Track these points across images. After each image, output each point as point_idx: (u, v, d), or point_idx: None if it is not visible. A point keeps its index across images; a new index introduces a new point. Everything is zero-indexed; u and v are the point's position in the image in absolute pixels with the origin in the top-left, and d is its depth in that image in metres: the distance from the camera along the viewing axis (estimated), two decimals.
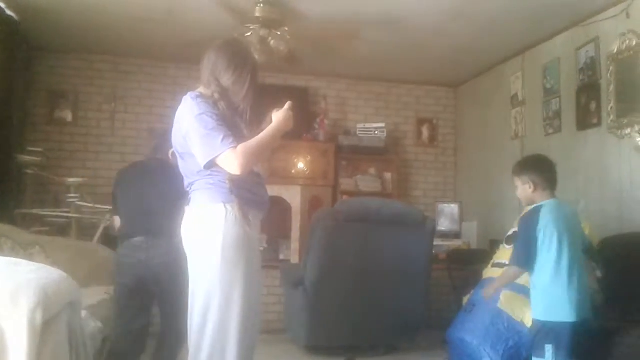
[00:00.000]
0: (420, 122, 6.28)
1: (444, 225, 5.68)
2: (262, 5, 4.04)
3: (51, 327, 1.71)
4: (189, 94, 2.15)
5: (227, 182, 2.09)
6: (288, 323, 4.53)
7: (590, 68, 4.13)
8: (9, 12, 4.31)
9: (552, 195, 2.68)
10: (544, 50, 4.74)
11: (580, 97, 4.24)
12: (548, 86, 4.65)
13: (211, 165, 2.04)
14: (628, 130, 3.75)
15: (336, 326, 4.00)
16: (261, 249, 5.43)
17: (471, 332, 3.04)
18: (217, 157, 2.01)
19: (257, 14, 4.05)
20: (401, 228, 4.08)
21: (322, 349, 3.97)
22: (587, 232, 2.96)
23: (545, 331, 2.53)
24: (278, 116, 2.21)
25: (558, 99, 4.52)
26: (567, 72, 4.41)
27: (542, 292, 2.56)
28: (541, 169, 2.73)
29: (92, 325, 2.59)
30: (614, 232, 3.73)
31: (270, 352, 4.20)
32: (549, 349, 2.51)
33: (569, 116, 4.37)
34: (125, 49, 5.29)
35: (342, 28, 4.53)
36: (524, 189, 2.69)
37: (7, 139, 4.51)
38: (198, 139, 2.04)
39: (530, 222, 2.58)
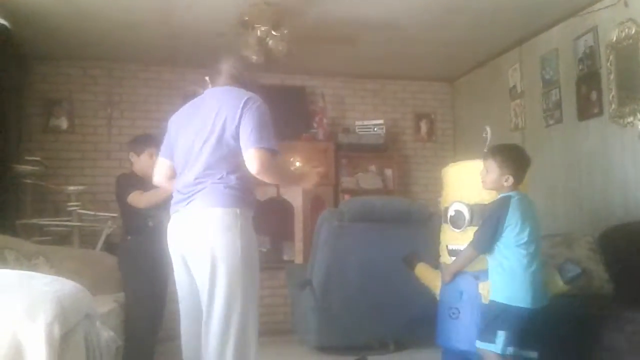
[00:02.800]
0: (418, 117, 6.27)
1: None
2: (259, 6, 4.00)
3: (69, 339, 1.68)
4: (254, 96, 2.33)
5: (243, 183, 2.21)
6: (296, 324, 4.50)
7: (590, 57, 4.12)
8: (0, 20, 4.25)
9: (517, 188, 2.68)
10: (542, 41, 4.73)
11: (580, 87, 4.23)
12: (547, 77, 4.65)
13: (254, 152, 2.18)
14: (630, 119, 3.76)
15: (345, 326, 3.98)
16: (264, 250, 5.46)
17: (468, 341, 2.74)
18: (263, 148, 2.17)
19: (255, 15, 4.02)
20: (407, 225, 4.07)
21: (332, 349, 3.94)
22: None
23: (502, 317, 2.52)
24: (308, 176, 2.63)
25: (557, 89, 4.51)
26: (566, 62, 4.41)
27: (511, 277, 2.56)
28: (523, 166, 2.72)
29: (105, 335, 2.55)
30: (619, 221, 3.74)
31: (280, 354, 4.18)
32: (500, 334, 2.50)
33: (570, 106, 4.36)
34: (118, 54, 5.24)
35: (340, 27, 4.51)
36: (499, 178, 2.65)
37: (3, 149, 4.43)
38: (257, 127, 2.21)
39: (501, 211, 2.59)
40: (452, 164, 3.21)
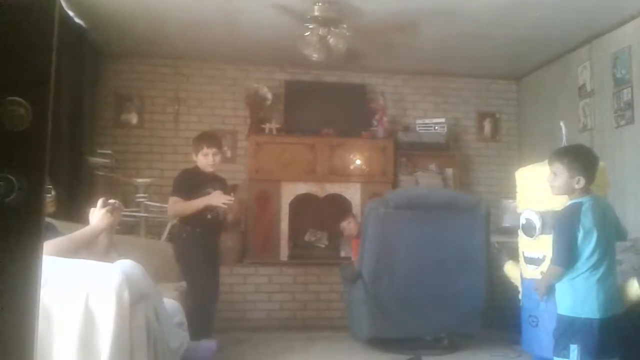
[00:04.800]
0: (482, 116, 6.14)
1: (508, 221, 5.52)
2: (320, 4, 4.05)
3: (136, 309, 1.75)
4: None
5: None
6: (349, 319, 4.53)
7: None
8: (77, 20, 4.50)
9: (589, 191, 2.56)
10: (614, 39, 4.53)
11: None
12: (619, 76, 4.45)
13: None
14: None
15: (396, 317, 3.97)
16: (322, 246, 5.52)
17: (548, 349, 2.82)
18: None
19: (316, 13, 4.07)
20: (454, 213, 4.03)
21: (385, 343, 3.94)
22: None
23: (572, 330, 2.43)
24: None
25: (630, 88, 4.31)
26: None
27: (573, 288, 2.47)
28: (594, 167, 2.59)
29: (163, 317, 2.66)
30: None
31: (334, 348, 4.23)
32: (573, 348, 2.41)
33: None
34: (186, 52, 5.44)
35: (400, 21, 4.48)
36: (569, 181, 2.53)
37: (78, 142, 4.71)
38: None
39: (572, 220, 2.47)
40: (523, 167, 3.10)
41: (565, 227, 2.51)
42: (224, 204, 3.43)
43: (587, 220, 2.46)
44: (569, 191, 2.57)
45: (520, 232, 2.98)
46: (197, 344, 2.37)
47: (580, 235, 2.46)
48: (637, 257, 3.46)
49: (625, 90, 4.37)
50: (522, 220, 2.91)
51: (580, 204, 2.50)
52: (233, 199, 3.46)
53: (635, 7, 4.10)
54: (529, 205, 2.89)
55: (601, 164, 2.70)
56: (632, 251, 3.51)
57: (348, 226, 4.92)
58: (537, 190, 2.85)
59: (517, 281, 3.10)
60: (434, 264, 3.96)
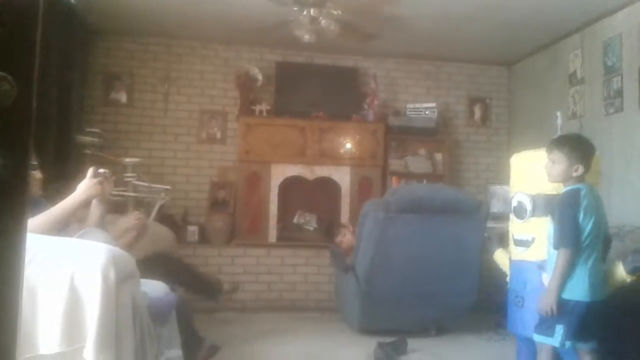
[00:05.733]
0: (473, 101, 6.15)
1: (496, 207, 5.57)
2: None
3: (121, 289, 1.74)
4: None
5: None
6: (339, 305, 4.57)
7: None
8: None
9: (584, 179, 2.60)
10: (605, 26, 4.53)
11: None
12: (609, 64, 4.46)
13: None
14: None
15: (388, 312, 4.01)
16: (310, 229, 5.53)
17: (533, 329, 2.87)
18: None
19: None
20: (455, 216, 3.98)
21: (375, 331, 3.98)
22: None
23: (562, 310, 2.47)
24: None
25: (620, 77, 4.33)
26: (630, 49, 4.21)
27: (571, 269, 2.49)
28: (592, 156, 2.63)
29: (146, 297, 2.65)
30: None
31: (323, 330, 4.26)
32: (559, 329, 2.46)
33: (632, 95, 4.18)
34: (177, 31, 5.37)
35: (393, 3, 4.45)
36: (568, 169, 2.57)
37: (66, 120, 4.66)
38: None
39: (573, 203, 2.51)
40: (517, 152, 3.13)
41: (569, 208, 2.52)
42: None
43: (585, 205, 2.50)
44: (566, 179, 2.60)
45: (511, 215, 3.02)
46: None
47: (580, 219, 2.49)
48: (622, 244, 3.50)
49: (615, 79, 4.38)
50: (514, 203, 2.96)
51: (579, 190, 2.54)
52: None
53: None
54: (522, 190, 2.93)
55: (596, 154, 2.74)
56: (616, 238, 3.55)
57: (344, 239, 4.70)
58: (531, 175, 2.89)
59: (505, 267, 3.15)
60: (430, 265, 3.94)
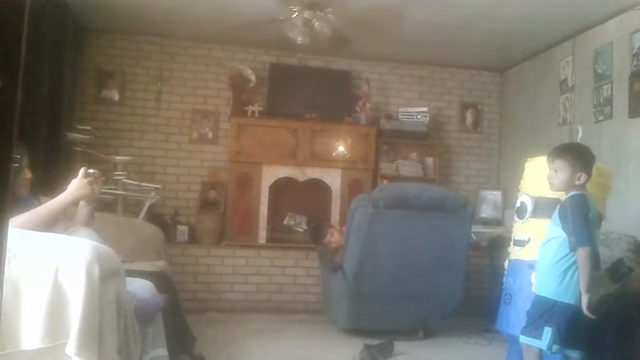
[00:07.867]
0: (464, 107, 6.18)
1: (486, 212, 5.60)
2: None
3: (106, 285, 1.74)
4: None
5: None
6: (326, 305, 4.56)
7: None
8: None
9: (585, 188, 2.62)
10: (597, 34, 4.57)
11: (633, 83, 4.08)
12: (599, 71, 4.50)
13: None
14: None
15: (376, 311, 4.02)
16: (300, 230, 5.53)
17: (518, 328, 2.87)
18: None
19: None
20: (441, 213, 4.03)
21: (362, 331, 3.99)
22: None
23: (551, 313, 2.48)
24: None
25: (610, 84, 4.37)
26: (620, 57, 4.25)
27: (558, 271, 2.52)
28: (592, 163, 2.66)
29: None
30: None
31: (310, 332, 4.26)
32: (547, 331, 2.46)
33: (621, 103, 4.22)
34: (171, 30, 5.36)
35: (388, 6, 4.47)
36: (571, 177, 2.59)
37: (57, 117, 4.64)
38: None
39: (584, 205, 2.54)
40: (532, 157, 3.16)
41: (581, 209, 2.53)
42: None
43: (590, 210, 2.54)
44: (569, 187, 2.61)
45: (515, 217, 3.10)
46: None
47: None
48: (609, 250, 3.52)
49: (605, 86, 4.42)
50: (517, 204, 3.05)
51: (586, 195, 2.58)
52: None
53: (619, 4, 4.14)
54: (525, 192, 3.01)
55: (607, 168, 2.77)
56: (603, 244, 3.57)
57: (332, 238, 4.65)
58: (541, 180, 2.88)
59: None
60: (418, 262, 3.98)
